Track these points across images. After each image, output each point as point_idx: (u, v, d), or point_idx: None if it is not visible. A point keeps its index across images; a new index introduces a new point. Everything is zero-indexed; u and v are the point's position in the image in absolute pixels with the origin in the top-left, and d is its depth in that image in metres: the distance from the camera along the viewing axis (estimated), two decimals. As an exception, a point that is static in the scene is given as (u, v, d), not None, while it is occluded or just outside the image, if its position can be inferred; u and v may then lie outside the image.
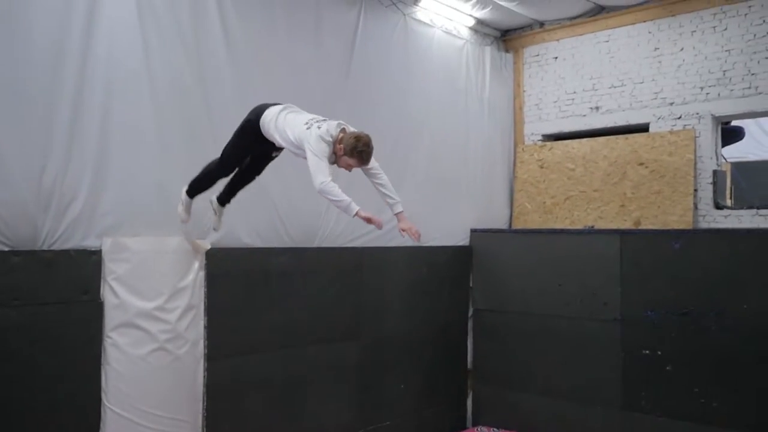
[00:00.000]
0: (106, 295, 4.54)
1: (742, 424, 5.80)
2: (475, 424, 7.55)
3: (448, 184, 7.45)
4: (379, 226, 3.98)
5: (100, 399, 4.50)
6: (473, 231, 7.73)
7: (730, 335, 5.91)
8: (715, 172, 6.92)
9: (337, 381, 6.11)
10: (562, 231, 7.41)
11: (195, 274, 4.94)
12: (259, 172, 4.54)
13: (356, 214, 3.86)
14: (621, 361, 6.51)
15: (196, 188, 4.51)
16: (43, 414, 4.24)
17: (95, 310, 4.50)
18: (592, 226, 7.36)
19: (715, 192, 6.89)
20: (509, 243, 7.60)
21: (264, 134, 4.12)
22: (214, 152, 5.12)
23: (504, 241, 7.66)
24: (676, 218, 6.93)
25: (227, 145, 4.32)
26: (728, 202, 7.28)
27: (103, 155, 4.58)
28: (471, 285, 7.68)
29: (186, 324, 4.82)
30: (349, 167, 4.07)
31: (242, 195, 5.36)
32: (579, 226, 7.51)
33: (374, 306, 6.50)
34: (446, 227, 7.44)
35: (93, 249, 4.53)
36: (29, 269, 4.21)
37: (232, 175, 4.48)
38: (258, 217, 5.54)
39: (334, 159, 4.04)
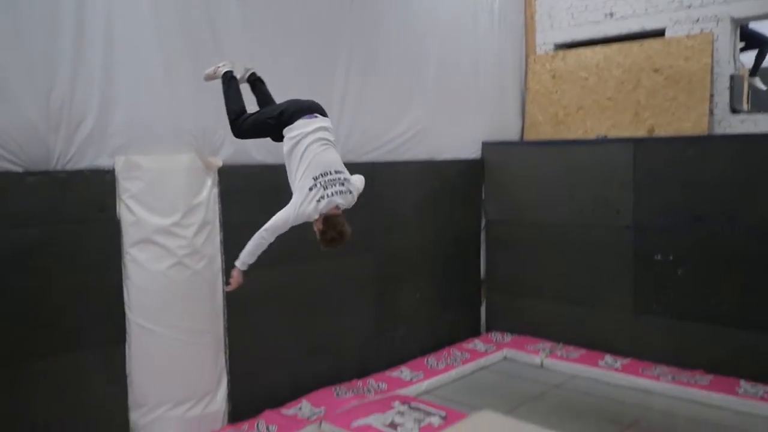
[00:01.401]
0: (123, 213, 4.63)
1: (751, 324, 5.92)
2: (488, 330, 7.76)
3: (459, 98, 7.37)
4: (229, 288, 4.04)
5: (124, 312, 4.66)
6: (485, 144, 7.71)
7: (742, 239, 5.95)
8: (732, 77, 6.78)
9: (352, 292, 6.27)
10: (574, 141, 7.37)
11: (208, 191, 5.01)
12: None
13: (234, 269, 3.93)
14: (632, 267, 6.60)
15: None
16: (69, 328, 4.42)
17: (113, 227, 4.60)
18: (605, 136, 7.30)
19: (731, 97, 6.78)
20: (521, 155, 7.58)
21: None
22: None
23: (516, 153, 7.64)
24: (691, 125, 6.85)
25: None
26: (745, 107, 7.16)
27: (109, 74, 4.56)
28: (483, 197, 7.72)
29: (202, 239, 4.92)
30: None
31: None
32: (592, 136, 7.45)
33: (388, 220, 6.58)
34: (457, 141, 7.42)
35: (106, 168, 4.59)
36: (44, 189, 4.28)
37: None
38: (268, 134, 5.55)
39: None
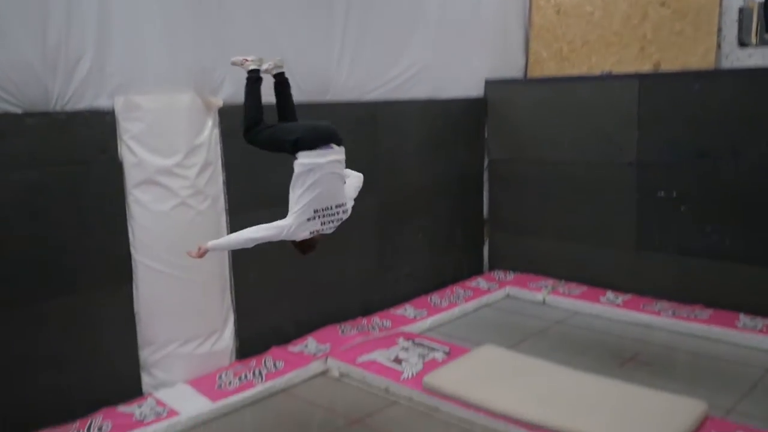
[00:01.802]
0: (124, 154, 4.60)
1: (752, 259, 5.95)
2: (491, 269, 7.83)
3: (462, 35, 7.22)
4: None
5: (129, 252, 4.69)
6: (488, 81, 7.60)
7: (747, 174, 5.93)
8: (741, 10, 6.62)
9: (356, 232, 6.26)
10: (578, 78, 7.27)
11: (210, 131, 4.96)
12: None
13: (203, 246, 3.79)
14: (635, 204, 6.60)
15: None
16: (77, 269, 4.45)
17: (115, 168, 4.57)
18: (610, 72, 7.18)
19: (740, 30, 6.62)
20: (524, 92, 7.49)
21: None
22: (220, 3, 5.00)
23: (519, 91, 7.54)
24: (698, 59, 6.73)
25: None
26: (753, 41, 7.01)
27: (106, 10, 4.44)
28: (486, 136, 7.66)
29: (205, 180, 4.91)
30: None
31: (250, 50, 5.27)
32: (596, 72, 7.33)
33: (390, 159, 6.54)
34: (460, 79, 7.32)
35: (106, 109, 4.53)
36: (44, 131, 4.24)
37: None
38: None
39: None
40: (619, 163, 6.65)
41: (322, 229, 3.79)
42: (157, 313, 4.80)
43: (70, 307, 4.42)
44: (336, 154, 3.81)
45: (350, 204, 3.96)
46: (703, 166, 6.15)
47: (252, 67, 4.02)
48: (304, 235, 3.74)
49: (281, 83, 4.14)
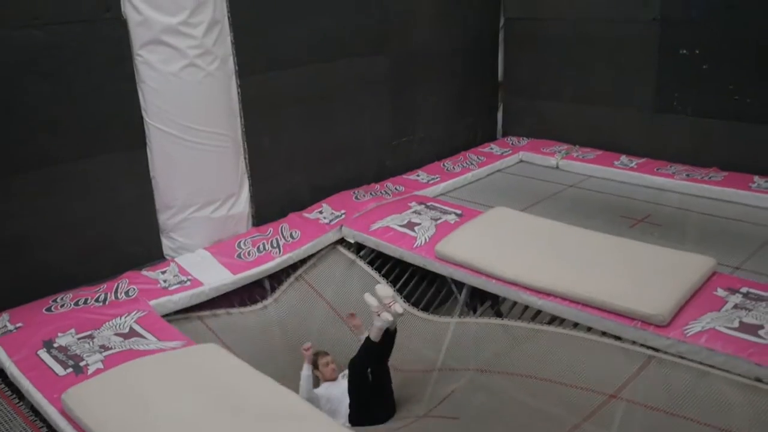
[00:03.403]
0: (129, 12, 4.40)
1: (772, 119, 5.82)
2: (505, 134, 7.74)
3: None
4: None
5: (141, 116, 4.62)
6: (506, -68, 7.13)
7: (775, 29, 5.66)
8: None
9: (368, 94, 6.16)
10: (604, -74, 6.78)
11: (215, -13, 4.72)
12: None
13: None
14: (656, 63, 6.38)
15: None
16: (90, 132, 4.41)
17: (120, 27, 4.39)
18: None
19: None
20: (544, -56, 7.04)
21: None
22: None
23: (539, -57, 7.09)
24: None
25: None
26: None
27: None
28: (502, -8, 7.31)
29: (213, 39, 4.72)
30: (327, 367, 4.25)
31: None
32: None
33: (402, 17, 6.28)
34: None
35: (106, -37, 4.30)
36: (44, -14, 4.05)
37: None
38: None
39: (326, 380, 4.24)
40: (643, 19, 6.35)
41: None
42: (173, 178, 4.80)
43: (86, 170, 4.42)
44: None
45: None
46: (730, 19, 5.86)
47: (385, 326, 3.86)
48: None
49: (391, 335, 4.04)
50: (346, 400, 4.03)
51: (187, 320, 4.47)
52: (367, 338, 3.91)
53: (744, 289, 4.02)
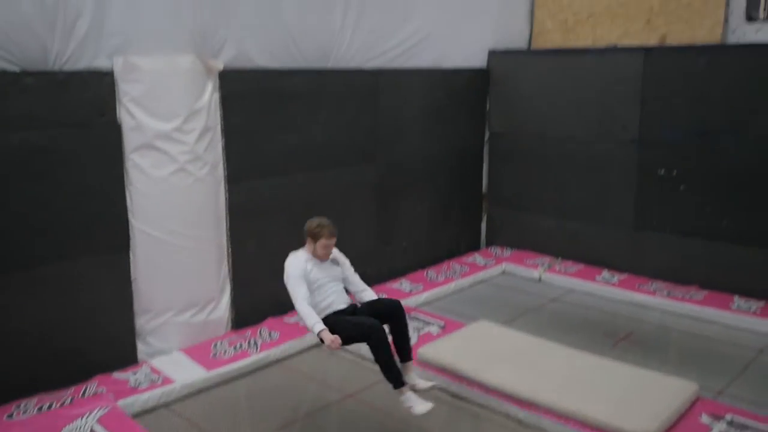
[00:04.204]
0: (123, 117, 4.49)
1: (750, 240, 5.95)
2: (488, 244, 7.81)
3: (465, 3, 7.07)
4: (335, 346, 3.78)
5: (127, 218, 4.61)
6: (491, 52, 7.47)
7: (748, 154, 5.89)
8: (751, -18, 6.50)
9: (354, 203, 6.22)
10: (583, 50, 7.15)
11: (210, 95, 4.84)
12: (391, 315, 4.07)
13: (319, 333, 3.78)
14: (635, 182, 6.57)
15: (394, 376, 3.86)
16: (74, 233, 4.37)
17: (114, 132, 4.47)
18: (615, 45, 7.08)
19: (748, 4, 6.51)
20: (528, 64, 7.38)
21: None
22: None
23: (522, 63, 7.43)
24: (705, 33, 6.61)
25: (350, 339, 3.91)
26: (761, 14, 6.91)
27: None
28: (488, 108, 7.57)
29: (204, 146, 4.81)
30: (325, 249, 4.06)
31: (252, 13, 5.16)
32: (601, 45, 7.23)
33: (390, 129, 6.46)
34: (463, 48, 7.19)
35: (105, 70, 4.41)
36: (43, 91, 4.12)
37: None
38: (270, 36, 5.34)
39: (316, 257, 4.08)
40: (622, 140, 6.60)
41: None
42: (154, 281, 4.75)
43: (67, 272, 4.36)
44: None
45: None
46: (705, 143, 6.10)
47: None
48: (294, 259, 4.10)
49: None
50: (335, 286, 4.07)
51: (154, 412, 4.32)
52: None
53: (729, 417, 3.99)
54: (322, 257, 4.08)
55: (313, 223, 4.07)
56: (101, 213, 4.48)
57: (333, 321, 3.89)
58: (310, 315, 3.83)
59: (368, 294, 4.22)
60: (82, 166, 4.34)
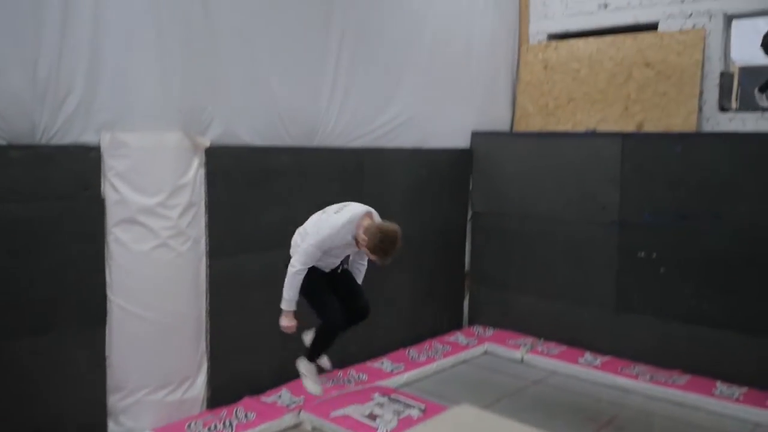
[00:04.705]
0: (107, 192, 4.49)
1: (731, 325, 5.97)
2: (471, 323, 7.74)
3: (450, 85, 7.28)
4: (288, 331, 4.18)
5: (105, 293, 4.55)
6: (474, 133, 7.64)
7: (726, 239, 5.98)
8: (722, 74, 6.78)
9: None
10: (563, 134, 7.35)
11: (195, 172, 4.88)
12: (355, 302, 4.38)
13: (284, 313, 4.10)
14: (616, 264, 6.62)
15: (316, 354, 4.42)
16: (50, 308, 4.30)
17: (97, 206, 4.46)
18: (594, 130, 7.28)
19: (720, 94, 6.78)
20: (510, 146, 7.54)
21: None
22: (212, 45, 4.98)
23: (505, 144, 7.60)
24: (680, 121, 6.85)
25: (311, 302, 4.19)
26: (733, 105, 7.19)
27: (97, 47, 4.39)
28: (470, 188, 7.67)
29: (187, 221, 4.80)
30: (368, 254, 4.08)
31: (240, 92, 5.26)
32: (581, 129, 7.43)
33: (374, 206, 6.44)
34: (447, 129, 7.34)
35: (92, 145, 4.44)
36: (28, 164, 4.13)
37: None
38: (257, 115, 5.43)
39: (355, 242, 4.05)
40: (602, 221, 6.69)
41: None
42: (129, 358, 4.64)
43: (38, 348, 4.25)
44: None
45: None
46: (683, 227, 6.21)
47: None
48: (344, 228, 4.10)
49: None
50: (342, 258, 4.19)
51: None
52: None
53: None
54: (359, 249, 4.04)
55: (388, 236, 3.94)
56: (79, 287, 4.42)
57: (315, 282, 3.99)
58: (293, 288, 3.95)
59: (358, 279, 4.51)
60: (63, 240, 4.31)
